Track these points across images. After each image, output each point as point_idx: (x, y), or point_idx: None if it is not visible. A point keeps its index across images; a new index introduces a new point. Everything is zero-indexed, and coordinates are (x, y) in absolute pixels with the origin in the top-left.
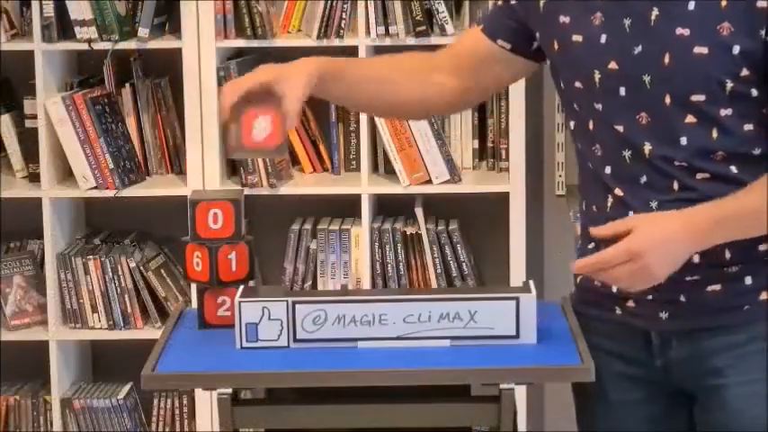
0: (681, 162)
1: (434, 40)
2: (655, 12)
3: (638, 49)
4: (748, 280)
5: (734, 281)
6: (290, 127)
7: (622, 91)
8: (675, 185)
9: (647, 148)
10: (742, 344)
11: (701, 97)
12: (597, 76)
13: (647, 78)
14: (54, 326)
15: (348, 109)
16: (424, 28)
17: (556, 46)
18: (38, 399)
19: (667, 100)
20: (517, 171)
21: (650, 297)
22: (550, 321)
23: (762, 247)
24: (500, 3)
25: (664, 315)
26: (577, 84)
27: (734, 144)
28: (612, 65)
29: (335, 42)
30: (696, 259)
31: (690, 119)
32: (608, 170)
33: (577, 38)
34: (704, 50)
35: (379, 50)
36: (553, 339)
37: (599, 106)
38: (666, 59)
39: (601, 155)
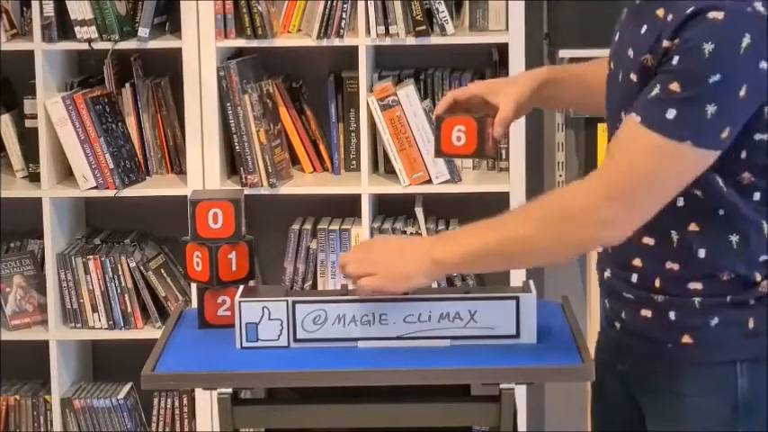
0: None
1: (434, 40)
2: (631, 25)
3: (629, 54)
4: (672, 315)
5: (661, 311)
6: (498, 135)
7: (612, 93)
8: None
9: None
10: (659, 383)
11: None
12: (606, 71)
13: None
14: (54, 326)
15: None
16: (423, 28)
17: None
18: (38, 399)
19: (623, 115)
20: (517, 171)
21: (606, 303)
22: (550, 321)
23: (691, 286)
24: None
25: (618, 325)
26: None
27: None
28: (612, 65)
29: (335, 42)
30: (634, 279)
31: None
32: None
33: (616, 29)
34: (635, 78)
35: (379, 50)
36: (553, 339)
37: (605, 100)
38: (620, 77)
39: None
